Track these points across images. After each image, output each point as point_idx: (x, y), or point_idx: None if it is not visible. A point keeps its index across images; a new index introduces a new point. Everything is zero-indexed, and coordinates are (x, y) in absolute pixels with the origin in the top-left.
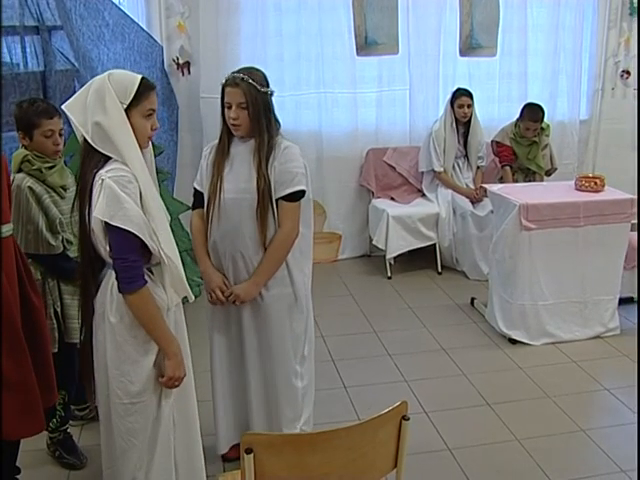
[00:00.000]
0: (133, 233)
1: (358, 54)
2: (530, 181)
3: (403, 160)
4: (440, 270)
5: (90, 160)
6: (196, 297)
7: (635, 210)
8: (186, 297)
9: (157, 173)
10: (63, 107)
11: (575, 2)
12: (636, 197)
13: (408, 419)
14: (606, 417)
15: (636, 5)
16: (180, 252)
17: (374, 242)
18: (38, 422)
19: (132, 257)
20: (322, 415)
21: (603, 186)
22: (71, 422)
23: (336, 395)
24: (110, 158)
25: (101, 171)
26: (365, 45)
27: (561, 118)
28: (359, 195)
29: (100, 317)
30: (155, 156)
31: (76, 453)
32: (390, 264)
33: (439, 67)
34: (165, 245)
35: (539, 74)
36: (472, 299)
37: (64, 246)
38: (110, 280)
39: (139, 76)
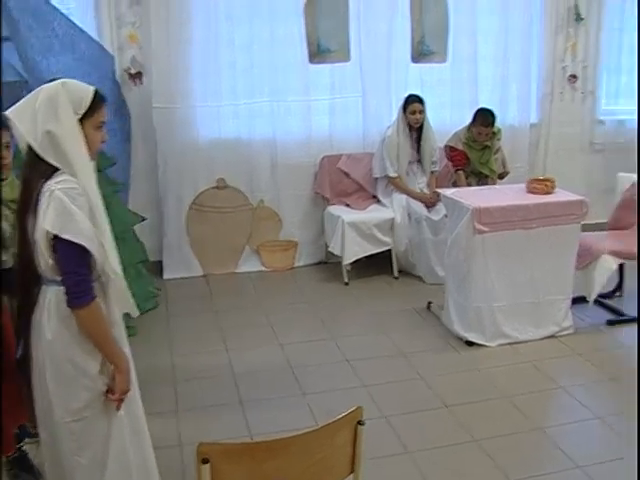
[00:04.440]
0: (83, 247)
1: (311, 62)
2: (483, 185)
3: (357, 166)
4: (397, 275)
5: (36, 170)
6: (153, 309)
7: (585, 211)
8: (129, 313)
9: (110, 184)
10: (7, 113)
11: (523, 7)
12: (585, 198)
13: (363, 424)
14: (562, 415)
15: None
16: (135, 264)
17: (330, 249)
18: (7, 444)
19: (83, 271)
20: (281, 422)
21: (554, 188)
22: (27, 439)
23: (295, 402)
24: (57, 169)
25: (49, 182)
26: (318, 52)
27: (512, 122)
28: (314, 202)
29: (37, 335)
30: (108, 167)
31: (32, 471)
32: (347, 270)
33: (391, 73)
34: (112, 259)
35: (489, 79)
36: (429, 303)
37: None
38: (47, 297)
39: (92, 87)
